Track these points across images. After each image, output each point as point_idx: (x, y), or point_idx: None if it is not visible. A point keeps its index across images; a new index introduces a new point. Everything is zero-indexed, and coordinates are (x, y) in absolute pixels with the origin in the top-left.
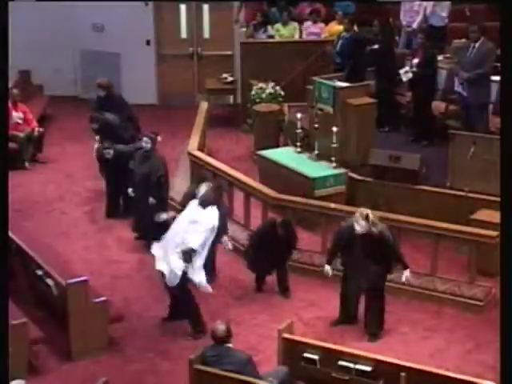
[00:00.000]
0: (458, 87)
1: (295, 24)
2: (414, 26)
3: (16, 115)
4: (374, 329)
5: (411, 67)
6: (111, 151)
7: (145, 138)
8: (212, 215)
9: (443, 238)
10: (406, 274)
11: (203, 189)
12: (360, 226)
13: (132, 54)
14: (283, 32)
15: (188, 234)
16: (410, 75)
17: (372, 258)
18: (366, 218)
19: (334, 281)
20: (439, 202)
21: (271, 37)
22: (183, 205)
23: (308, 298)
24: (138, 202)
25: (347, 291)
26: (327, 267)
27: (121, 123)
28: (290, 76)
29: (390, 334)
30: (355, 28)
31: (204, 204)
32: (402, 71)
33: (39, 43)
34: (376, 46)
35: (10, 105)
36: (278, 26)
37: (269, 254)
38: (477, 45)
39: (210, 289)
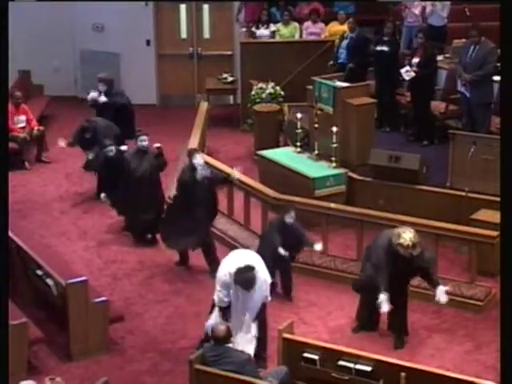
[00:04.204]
0: (460, 88)
1: (296, 24)
2: (416, 12)
3: (19, 119)
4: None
5: (411, 66)
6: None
7: (142, 137)
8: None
9: (443, 238)
10: (440, 292)
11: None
12: (403, 250)
13: (132, 53)
14: (284, 32)
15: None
16: (413, 74)
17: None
18: (413, 246)
19: (334, 281)
20: (439, 202)
21: (273, 32)
22: None
23: (308, 298)
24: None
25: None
26: (384, 297)
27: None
28: (289, 76)
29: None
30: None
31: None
32: (403, 70)
33: (39, 43)
34: (386, 48)
35: (12, 109)
36: (279, 25)
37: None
38: (478, 46)
39: None
